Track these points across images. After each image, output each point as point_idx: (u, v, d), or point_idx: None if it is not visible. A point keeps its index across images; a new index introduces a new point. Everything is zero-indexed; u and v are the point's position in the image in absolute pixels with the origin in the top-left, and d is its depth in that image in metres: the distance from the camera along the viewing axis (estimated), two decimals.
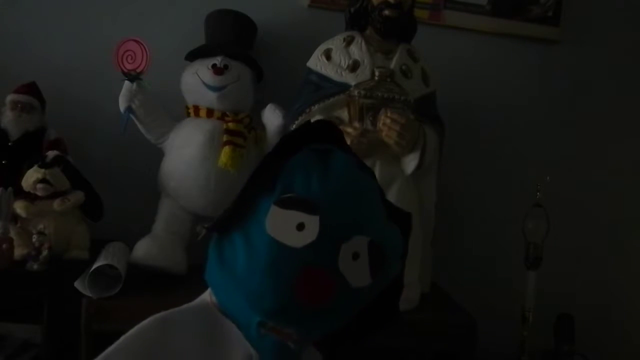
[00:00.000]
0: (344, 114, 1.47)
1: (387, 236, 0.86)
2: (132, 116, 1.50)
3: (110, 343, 0.85)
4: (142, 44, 1.46)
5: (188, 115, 1.58)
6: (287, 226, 0.79)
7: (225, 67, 1.54)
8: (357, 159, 0.90)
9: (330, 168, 0.83)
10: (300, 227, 0.79)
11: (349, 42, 1.51)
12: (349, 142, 1.32)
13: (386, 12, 1.48)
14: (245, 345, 0.83)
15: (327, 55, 1.51)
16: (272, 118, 1.56)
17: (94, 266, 1.33)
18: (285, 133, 1.48)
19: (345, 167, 0.84)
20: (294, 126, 1.49)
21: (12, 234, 1.41)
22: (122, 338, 0.83)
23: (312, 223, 0.79)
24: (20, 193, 1.43)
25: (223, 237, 0.87)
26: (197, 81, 1.55)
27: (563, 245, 1.85)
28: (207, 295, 0.89)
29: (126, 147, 1.63)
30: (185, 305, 0.89)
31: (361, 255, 0.81)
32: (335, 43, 1.52)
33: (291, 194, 0.81)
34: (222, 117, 1.53)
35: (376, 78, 1.43)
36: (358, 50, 1.49)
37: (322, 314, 0.82)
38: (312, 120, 0.91)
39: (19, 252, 1.40)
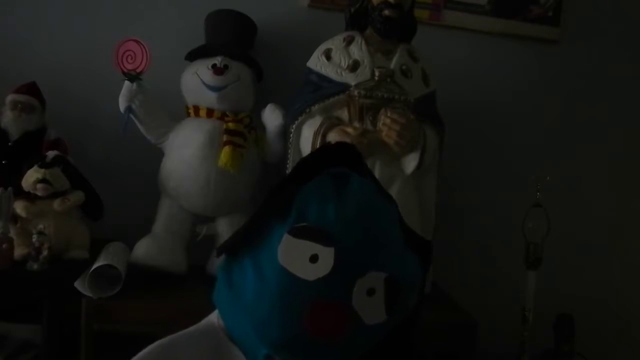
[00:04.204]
0: (344, 114, 1.47)
1: (405, 269, 0.81)
2: (132, 116, 1.50)
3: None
4: (142, 44, 1.46)
5: (188, 115, 1.58)
6: (299, 257, 0.75)
7: (225, 67, 1.54)
8: (376, 183, 0.86)
9: (347, 196, 0.79)
10: (314, 259, 0.75)
11: (349, 42, 1.51)
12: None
13: (386, 12, 1.48)
14: None
15: (327, 55, 1.51)
16: (272, 118, 1.56)
17: (94, 266, 1.33)
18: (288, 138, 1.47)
19: (362, 194, 0.80)
20: (293, 127, 1.49)
21: (12, 234, 1.41)
22: None
23: (327, 255, 0.75)
24: (20, 193, 1.43)
25: (232, 260, 0.83)
26: (197, 81, 1.54)
27: (563, 245, 1.85)
28: (214, 318, 0.87)
29: (126, 147, 1.63)
30: (191, 328, 0.86)
31: (377, 291, 0.76)
32: (335, 43, 1.52)
33: (305, 222, 0.77)
34: (222, 117, 1.53)
35: (376, 78, 1.43)
36: (358, 50, 1.49)
37: (332, 350, 0.77)
38: (332, 142, 0.88)
39: (19, 252, 1.40)
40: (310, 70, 1.52)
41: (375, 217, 0.80)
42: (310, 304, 0.75)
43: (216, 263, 1.55)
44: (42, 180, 1.42)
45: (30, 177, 1.43)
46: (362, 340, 0.80)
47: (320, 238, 0.75)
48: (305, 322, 0.75)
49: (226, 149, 1.47)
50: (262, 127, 1.58)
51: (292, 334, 0.76)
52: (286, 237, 0.76)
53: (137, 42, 1.46)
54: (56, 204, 1.44)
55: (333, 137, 1.40)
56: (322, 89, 1.49)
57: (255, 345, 0.78)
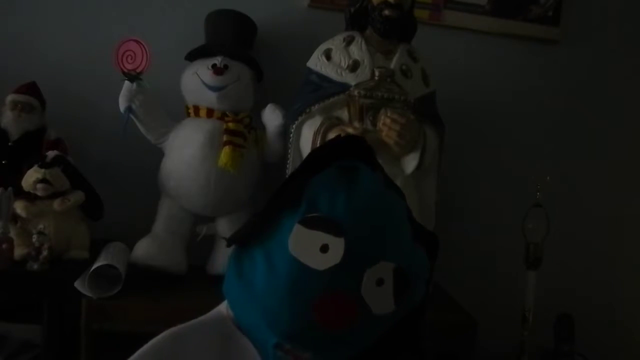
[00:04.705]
0: (344, 114, 1.47)
1: (413, 261, 0.82)
2: (132, 116, 1.50)
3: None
4: (142, 44, 1.45)
5: (188, 115, 1.58)
6: (310, 247, 0.77)
7: (225, 67, 1.54)
8: (385, 177, 0.86)
9: (357, 188, 0.80)
10: (324, 249, 0.76)
11: (349, 42, 1.51)
12: None
13: (386, 12, 1.48)
14: None
15: (327, 55, 1.51)
16: (272, 118, 1.56)
17: (94, 266, 1.33)
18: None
19: (372, 187, 0.81)
20: (293, 127, 1.49)
21: (12, 234, 1.41)
22: (135, 355, 0.81)
23: (337, 245, 0.76)
24: (20, 193, 1.43)
25: (243, 250, 0.84)
26: (197, 81, 1.54)
27: (563, 245, 1.85)
28: (223, 308, 0.87)
29: (126, 147, 1.63)
30: (200, 318, 0.87)
31: (386, 281, 0.78)
32: (335, 43, 1.52)
33: (316, 213, 0.78)
34: (222, 117, 1.53)
35: (376, 78, 1.43)
36: (358, 50, 1.49)
37: (341, 339, 0.79)
38: (342, 135, 0.89)
39: (19, 252, 1.40)
40: (310, 70, 1.52)
41: (385, 210, 0.81)
42: (320, 294, 0.76)
43: (216, 263, 1.55)
44: (42, 180, 1.42)
45: (30, 177, 1.43)
46: (370, 330, 0.81)
47: (330, 228, 0.76)
48: (314, 312, 0.76)
49: (226, 149, 1.47)
50: (262, 127, 1.58)
51: (302, 324, 0.76)
52: (297, 227, 0.77)
53: (137, 42, 1.46)
54: (56, 204, 1.44)
55: (333, 137, 1.40)
56: (322, 89, 1.49)
57: (265, 334, 0.79)
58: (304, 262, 0.76)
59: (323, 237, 0.76)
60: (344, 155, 0.83)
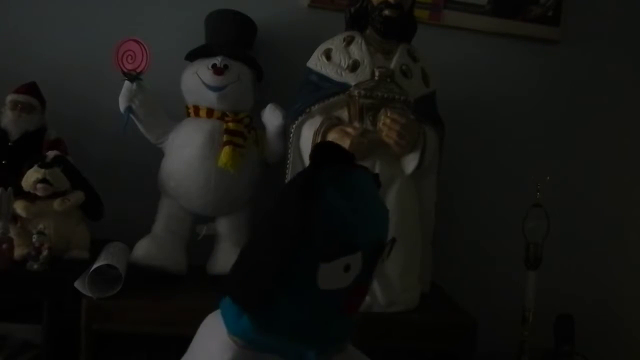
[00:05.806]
0: (344, 114, 1.46)
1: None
2: (132, 116, 1.50)
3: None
4: (142, 44, 1.45)
5: (188, 115, 1.58)
6: (336, 274, 0.84)
7: (225, 67, 1.54)
8: (371, 174, 0.94)
9: (356, 194, 0.86)
10: (347, 268, 0.84)
11: (349, 42, 1.51)
12: (348, 142, 1.33)
13: (386, 12, 1.48)
14: None
15: (327, 55, 1.51)
16: (272, 118, 1.56)
17: (94, 266, 1.33)
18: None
19: (365, 187, 0.89)
20: (293, 127, 1.49)
21: (12, 234, 1.41)
22: None
23: (357, 260, 0.84)
24: (20, 193, 1.43)
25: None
26: (197, 81, 1.54)
27: (563, 245, 1.85)
28: (229, 344, 0.90)
29: (126, 147, 1.63)
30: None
31: (384, 253, 0.90)
32: (335, 43, 1.52)
33: (334, 239, 0.83)
34: (222, 117, 1.53)
35: (376, 78, 1.43)
36: (358, 50, 1.49)
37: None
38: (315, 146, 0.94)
39: (19, 252, 1.40)
40: (310, 70, 1.52)
41: (378, 199, 0.91)
42: (347, 297, 0.86)
43: (216, 263, 1.55)
44: (42, 180, 1.42)
45: (30, 177, 1.43)
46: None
47: (349, 250, 0.84)
48: (344, 310, 0.87)
49: (226, 149, 1.47)
50: (262, 127, 1.58)
51: (338, 328, 0.89)
52: (322, 267, 0.83)
53: (137, 42, 1.46)
54: (56, 204, 1.44)
55: (333, 137, 1.40)
56: (322, 89, 1.49)
57: (300, 354, 0.89)
58: (334, 288, 0.84)
59: (344, 260, 0.84)
60: (325, 162, 0.87)
